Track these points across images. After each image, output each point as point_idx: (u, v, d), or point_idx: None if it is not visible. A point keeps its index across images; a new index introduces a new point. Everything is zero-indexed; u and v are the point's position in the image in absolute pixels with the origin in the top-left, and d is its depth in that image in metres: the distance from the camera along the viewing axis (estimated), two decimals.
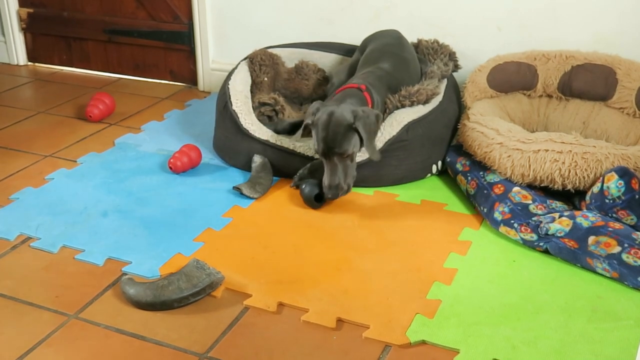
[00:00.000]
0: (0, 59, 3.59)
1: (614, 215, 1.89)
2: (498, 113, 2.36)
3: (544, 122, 2.47)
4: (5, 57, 3.57)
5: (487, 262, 1.86)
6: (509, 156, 2.06)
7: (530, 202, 1.98)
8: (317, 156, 2.24)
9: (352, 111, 2.05)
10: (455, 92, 2.47)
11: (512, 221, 1.93)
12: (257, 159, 2.26)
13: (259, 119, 2.39)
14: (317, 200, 2.11)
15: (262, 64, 2.58)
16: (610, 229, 1.79)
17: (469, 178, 2.16)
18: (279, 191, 2.23)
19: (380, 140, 2.19)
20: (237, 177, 2.33)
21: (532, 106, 2.47)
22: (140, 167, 2.40)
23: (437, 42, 2.60)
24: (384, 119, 2.24)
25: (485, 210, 2.03)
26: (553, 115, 2.46)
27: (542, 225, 1.86)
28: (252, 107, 2.42)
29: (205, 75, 3.17)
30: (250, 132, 2.31)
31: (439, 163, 2.32)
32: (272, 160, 2.28)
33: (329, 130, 2.03)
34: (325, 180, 2.07)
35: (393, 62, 2.35)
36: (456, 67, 2.56)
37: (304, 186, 2.12)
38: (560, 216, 1.87)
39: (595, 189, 1.92)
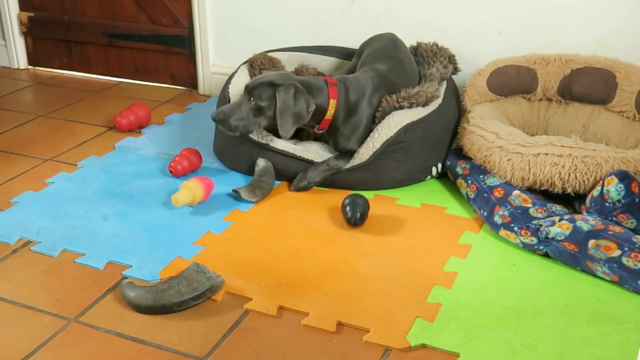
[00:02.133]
0: (0, 63, 3.60)
1: (614, 218, 1.89)
2: (498, 116, 2.37)
3: (544, 125, 2.47)
4: (5, 60, 3.58)
5: (487, 266, 1.86)
6: (509, 160, 2.07)
7: (530, 205, 1.98)
8: (316, 159, 2.25)
9: (286, 79, 2.14)
10: (455, 95, 2.47)
11: (512, 225, 1.93)
12: (260, 163, 2.26)
13: None
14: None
15: (262, 67, 2.58)
16: (610, 232, 1.79)
17: (469, 181, 2.16)
18: (279, 195, 2.23)
19: (378, 141, 2.20)
20: (237, 180, 2.33)
21: (532, 110, 2.48)
22: (141, 170, 2.40)
23: (437, 44, 2.60)
24: (378, 119, 2.24)
25: (485, 213, 2.04)
26: (553, 118, 2.46)
27: (542, 228, 1.86)
28: None
29: (206, 78, 3.17)
30: (250, 136, 2.31)
31: (439, 165, 2.32)
32: (272, 164, 2.28)
33: (262, 79, 2.15)
34: (227, 105, 2.18)
35: (388, 64, 2.35)
36: (455, 70, 2.56)
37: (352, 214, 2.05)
38: (560, 220, 1.87)
39: (595, 192, 1.92)
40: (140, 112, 2.77)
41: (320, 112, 2.19)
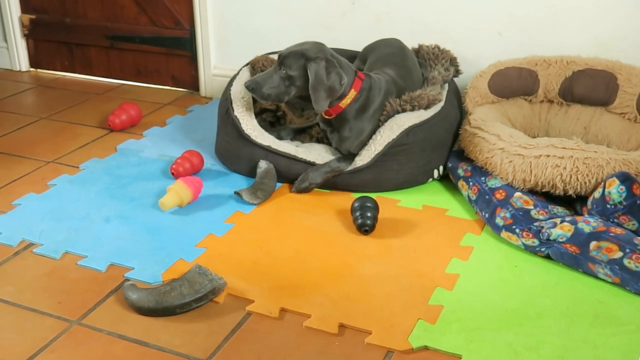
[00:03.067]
0: (2, 65, 3.60)
1: (616, 220, 1.89)
2: (499, 118, 2.37)
3: (545, 127, 2.47)
4: (7, 63, 3.58)
5: (488, 268, 1.86)
6: (511, 161, 2.07)
7: (532, 207, 1.98)
8: (318, 161, 2.25)
9: (318, 51, 2.15)
10: (456, 97, 2.47)
11: (514, 226, 1.93)
12: (262, 165, 2.27)
13: (260, 125, 2.39)
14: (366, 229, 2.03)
15: (263, 69, 2.58)
16: (611, 234, 1.80)
17: (471, 183, 2.16)
18: (280, 197, 2.23)
19: (380, 144, 2.20)
20: (239, 182, 2.33)
21: (533, 111, 2.48)
22: (142, 172, 2.40)
23: (438, 47, 2.60)
24: (382, 122, 2.25)
25: (486, 215, 2.04)
26: (554, 120, 2.46)
27: (543, 230, 1.86)
28: (254, 113, 2.43)
29: (207, 80, 3.18)
30: (252, 137, 2.31)
31: (440, 168, 2.33)
32: (273, 165, 2.28)
33: (294, 49, 2.16)
34: (259, 75, 2.20)
35: (397, 71, 2.35)
36: (457, 73, 2.57)
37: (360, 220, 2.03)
38: (561, 221, 1.87)
39: (597, 194, 1.92)
40: (131, 111, 2.79)
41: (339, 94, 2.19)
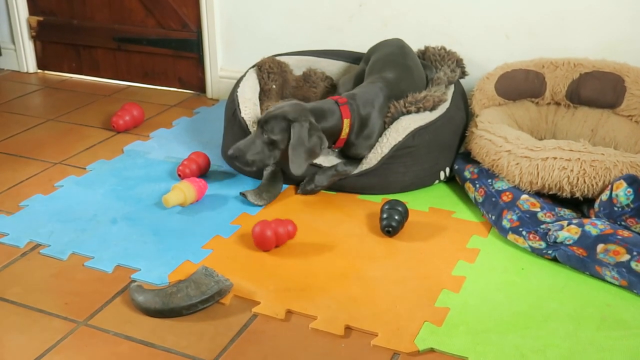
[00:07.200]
0: (10, 67, 3.62)
1: (623, 223, 1.88)
2: (506, 121, 2.36)
3: (552, 129, 2.47)
4: (15, 64, 3.60)
5: (495, 270, 1.86)
6: (517, 164, 2.06)
7: (539, 209, 1.98)
8: (324, 163, 2.25)
9: (300, 113, 2.10)
10: (462, 99, 2.47)
11: (521, 229, 1.93)
12: (269, 167, 2.27)
13: None
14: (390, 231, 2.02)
15: (270, 71, 2.59)
16: (619, 237, 1.79)
17: (477, 185, 2.16)
18: (287, 198, 2.24)
19: (386, 146, 2.20)
20: (245, 184, 2.34)
21: (540, 114, 2.47)
22: (149, 174, 2.41)
23: (444, 48, 2.60)
24: (387, 124, 2.25)
25: (493, 217, 2.03)
26: (561, 122, 2.45)
27: (550, 233, 1.86)
28: (261, 114, 2.43)
29: (214, 82, 3.18)
30: None
31: (447, 170, 2.32)
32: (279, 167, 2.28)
33: (275, 112, 2.11)
34: (241, 142, 2.14)
35: (396, 71, 2.35)
36: (463, 74, 2.56)
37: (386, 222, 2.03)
38: (568, 224, 1.87)
39: (604, 196, 1.92)
40: (134, 112, 2.80)
41: (335, 133, 2.19)
